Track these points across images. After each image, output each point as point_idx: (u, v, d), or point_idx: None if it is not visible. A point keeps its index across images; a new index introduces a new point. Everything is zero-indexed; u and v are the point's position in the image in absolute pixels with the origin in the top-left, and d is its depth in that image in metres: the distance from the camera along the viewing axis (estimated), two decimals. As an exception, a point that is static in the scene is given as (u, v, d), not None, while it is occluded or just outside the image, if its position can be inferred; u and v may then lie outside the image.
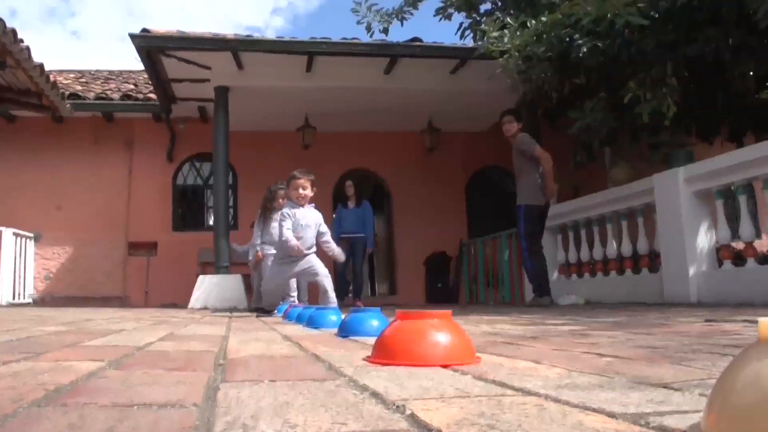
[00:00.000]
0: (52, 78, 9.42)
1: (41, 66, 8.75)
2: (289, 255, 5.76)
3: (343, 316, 3.43)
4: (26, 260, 11.60)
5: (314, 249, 5.89)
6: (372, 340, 1.89)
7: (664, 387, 1.16)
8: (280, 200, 7.47)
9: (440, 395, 1.11)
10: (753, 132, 8.32)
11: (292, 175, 5.88)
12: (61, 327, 3.45)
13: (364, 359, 1.70)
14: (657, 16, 6.84)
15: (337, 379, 1.33)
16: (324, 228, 5.98)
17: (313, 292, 8.49)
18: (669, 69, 6.99)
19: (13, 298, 10.75)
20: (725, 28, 6.66)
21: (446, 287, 12.76)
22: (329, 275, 5.80)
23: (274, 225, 8.24)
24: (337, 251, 6.13)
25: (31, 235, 11.80)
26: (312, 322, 3.66)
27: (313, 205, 6.01)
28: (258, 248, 8.16)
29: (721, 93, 7.63)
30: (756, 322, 0.70)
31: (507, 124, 8.06)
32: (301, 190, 5.79)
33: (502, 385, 1.23)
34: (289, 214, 5.77)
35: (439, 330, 1.58)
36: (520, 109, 9.09)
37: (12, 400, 1.07)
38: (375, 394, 1.12)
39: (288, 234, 5.66)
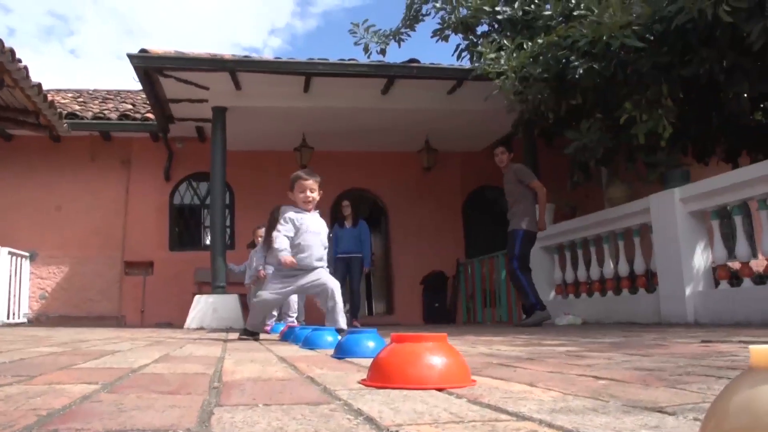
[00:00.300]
0: (49, 97, 9.44)
1: (39, 85, 8.78)
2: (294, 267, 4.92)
3: (339, 337, 3.43)
4: (21, 279, 11.58)
5: (325, 262, 5.08)
6: (368, 362, 1.88)
7: (659, 411, 1.16)
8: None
9: (434, 420, 1.10)
10: (748, 152, 8.36)
11: (297, 175, 5.12)
12: (55, 348, 3.43)
13: (359, 382, 1.70)
14: (652, 38, 6.89)
15: (332, 403, 1.33)
16: (325, 242, 5.20)
17: (309, 311, 8.48)
18: (664, 90, 7.04)
19: (8, 318, 10.71)
20: (719, 50, 6.71)
21: (443, 307, 12.75)
22: (340, 290, 4.98)
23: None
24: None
25: (27, 254, 11.79)
26: (308, 343, 3.65)
27: (318, 211, 5.25)
28: (261, 267, 8.06)
29: (716, 114, 7.67)
30: (751, 343, 0.71)
31: (500, 155, 8.28)
32: (308, 193, 5.03)
33: (497, 409, 1.23)
34: (292, 219, 4.96)
35: (435, 353, 1.58)
36: (517, 134, 9.20)
37: (2, 426, 1.06)
38: (369, 419, 1.12)
39: (282, 243, 4.85)
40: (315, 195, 5.07)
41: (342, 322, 4.82)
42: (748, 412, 0.64)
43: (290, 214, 5.01)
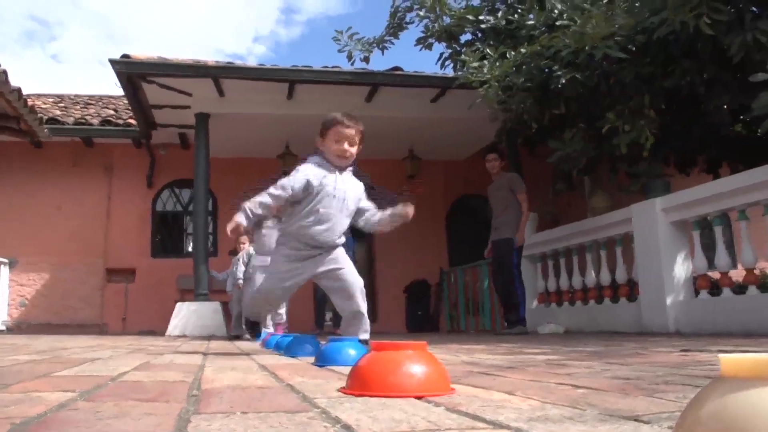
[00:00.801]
0: (30, 102, 9.39)
1: (19, 90, 8.72)
2: (307, 241, 3.61)
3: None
4: (0, 287, 11.46)
5: (344, 238, 3.78)
6: (348, 370, 1.88)
7: (635, 419, 1.17)
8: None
9: (411, 428, 1.10)
10: (728, 163, 8.44)
11: (335, 119, 3.66)
12: (34, 356, 3.40)
13: (338, 390, 1.70)
14: (634, 49, 6.95)
15: (310, 411, 1.33)
16: (366, 203, 3.84)
17: (291, 318, 8.43)
18: (647, 101, 7.09)
19: (-12, 325, 10.60)
20: (700, 62, 6.78)
21: (427, 315, 12.76)
22: (363, 287, 3.71)
23: (265, 232, 7.59)
24: (401, 210, 3.77)
25: (6, 260, 11.68)
26: (290, 351, 3.64)
27: (353, 168, 3.80)
28: (240, 280, 7.88)
29: (698, 125, 7.74)
30: (730, 352, 0.72)
31: (492, 161, 8.32)
32: (346, 145, 3.61)
33: (475, 417, 1.23)
34: (308, 177, 3.55)
35: (414, 360, 1.58)
36: (500, 143, 9.27)
37: (-23, 433, 1.05)
38: (346, 427, 1.12)
39: (261, 200, 3.47)
40: (354, 150, 3.68)
41: (366, 331, 3.65)
42: (719, 420, 0.65)
43: (310, 168, 3.62)
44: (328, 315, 10.92)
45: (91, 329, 11.99)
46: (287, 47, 79.64)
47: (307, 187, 3.55)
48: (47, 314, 12.24)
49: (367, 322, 3.66)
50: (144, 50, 11.68)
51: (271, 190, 3.51)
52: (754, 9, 6.36)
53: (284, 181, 3.54)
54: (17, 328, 11.93)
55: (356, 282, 3.67)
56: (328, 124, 3.68)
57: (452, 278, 12.49)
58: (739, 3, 6.27)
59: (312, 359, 3.01)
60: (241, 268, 8.38)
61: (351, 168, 3.77)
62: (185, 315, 9.52)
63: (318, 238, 3.61)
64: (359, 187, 3.82)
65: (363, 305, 3.65)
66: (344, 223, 3.70)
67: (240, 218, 3.39)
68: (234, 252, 9.08)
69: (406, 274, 12.92)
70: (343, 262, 3.70)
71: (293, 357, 3.49)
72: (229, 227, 3.40)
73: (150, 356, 3.48)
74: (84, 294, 12.51)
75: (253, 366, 2.78)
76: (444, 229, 13.91)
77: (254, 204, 3.45)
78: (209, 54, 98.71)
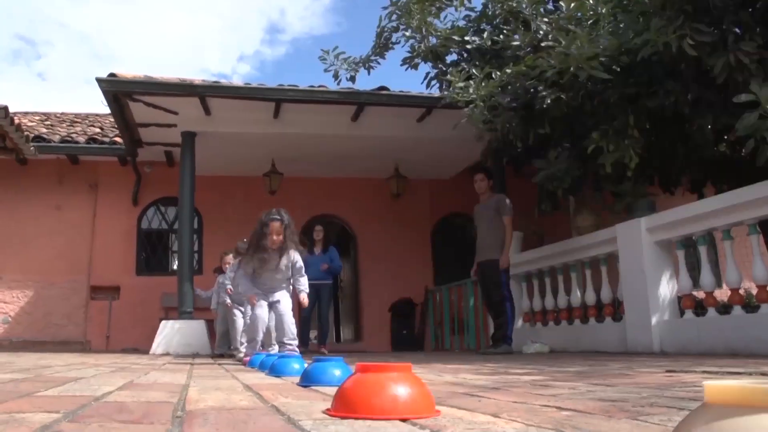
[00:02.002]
0: (16, 120, 9.34)
1: (6, 108, 8.68)
2: None
3: (306, 364, 3.41)
4: (-16, 304, 11.36)
5: None
6: (334, 390, 1.88)
7: (619, 443, 1.17)
8: (274, 237, 5.61)
9: (397, 451, 1.10)
10: (713, 183, 8.50)
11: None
12: (17, 374, 3.37)
13: (323, 411, 1.69)
14: (619, 69, 7.00)
15: (295, 434, 1.32)
16: None
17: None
18: (631, 121, 7.14)
19: (-31, 343, 10.48)
20: (684, 83, 6.84)
21: (411, 334, 12.73)
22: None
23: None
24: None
25: (-10, 278, 11.58)
26: (274, 370, 3.63)
27: None
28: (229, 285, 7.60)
29: (682, 145, 7.80)
30: (715, 372, 0.73)
31: (479, 182, 8.36)
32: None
33: (460, 440, 1.23)
34: None
35: (399, 382, 1.58)
36: (486, 162, 9.30)
37: (-41, 456, 1.04)
38: (332, 450, 1.12)
39: None
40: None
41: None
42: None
43: None
44: (313, 333, 10.89)
45: (75, 346, 11.88)
46: (272, 66, 79.59)
47: None
48: (31, 331, 12.12)
49: None
50: (130, 69, 11.66)
51: None
52: (737, 30, 6.43)
53: None
54: (-1, 345, 11.81)
55: None
56: None
57: (437, 297, 12.49)
58: (721, 24, 6.35)
59: (296, 379, 3.00)
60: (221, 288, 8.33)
61: None
62: (169, 333, 9.46)
63: None
64: None
65: None
66: None
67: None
68: (219, 270, 9.04)
69: (391, 293, 12.89)
70: None
71: (278, 376, 3.47)
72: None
73: (134, 375, 3.45)
74: (68, 311, 12.39)
75: (237, 386, 2.76)
76: (429, 247, 13.89)
77: None
78: (195, 73, 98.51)
